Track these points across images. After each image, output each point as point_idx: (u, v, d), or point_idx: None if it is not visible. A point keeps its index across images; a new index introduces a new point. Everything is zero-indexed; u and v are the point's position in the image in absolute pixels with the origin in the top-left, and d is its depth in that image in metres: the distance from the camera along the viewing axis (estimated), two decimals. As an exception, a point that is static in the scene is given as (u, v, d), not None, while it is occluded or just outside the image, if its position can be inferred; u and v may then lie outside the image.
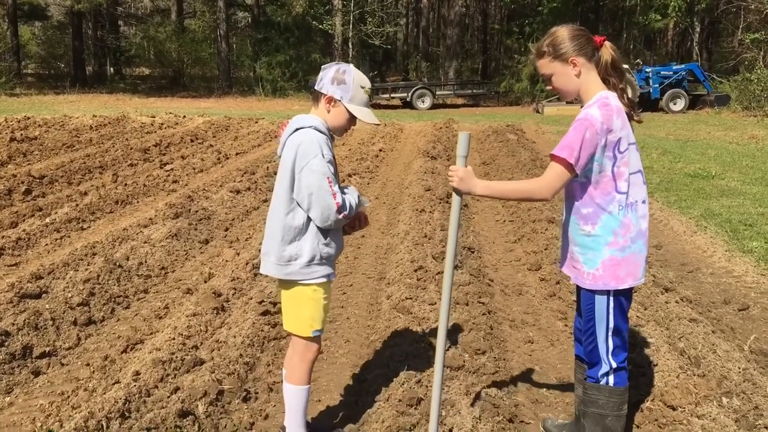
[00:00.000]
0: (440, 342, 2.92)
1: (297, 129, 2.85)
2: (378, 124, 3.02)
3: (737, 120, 20.82)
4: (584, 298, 2.88)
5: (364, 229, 3.37)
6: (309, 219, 2.86)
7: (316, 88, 2.92)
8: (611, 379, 2.87)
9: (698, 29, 33.33)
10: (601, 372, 2.88)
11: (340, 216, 2.81)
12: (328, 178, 2.77)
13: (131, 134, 15.43)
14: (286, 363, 3.10)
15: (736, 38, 30.08)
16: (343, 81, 2.86)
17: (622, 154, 2.71)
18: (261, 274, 5.59)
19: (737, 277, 5.87)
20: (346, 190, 2.91)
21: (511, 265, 6.28)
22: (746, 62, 25.98)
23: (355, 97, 2.88)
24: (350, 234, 3.26)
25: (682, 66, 24.96)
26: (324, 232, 2.89)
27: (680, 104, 23.55)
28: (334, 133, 2.96)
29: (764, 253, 6.38)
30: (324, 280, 2.94)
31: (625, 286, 2.80)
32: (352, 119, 2.93)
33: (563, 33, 2.76)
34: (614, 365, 2.86)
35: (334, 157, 2.90)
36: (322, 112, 2.91)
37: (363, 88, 2.90)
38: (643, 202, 2.82)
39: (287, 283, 2.95)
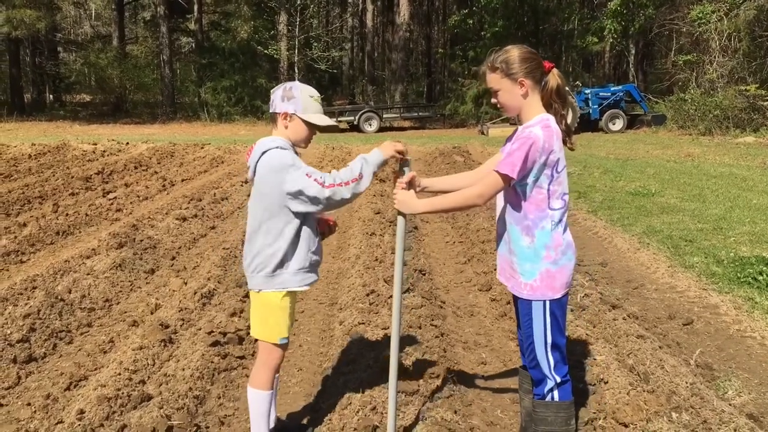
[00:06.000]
0: (393, 366, 2.90)
1: (264, 152, 2.99)
2: (335, 125, 3.25)
3: (673, 139, 21.55)
4: (522, 308, 3.00)
5: (335, 234, 3.52)
6: (280, 231, 2.99)
7: (271, 110, 3.11)
8: (556, 394, 2.97)
9: (633, 51, 34.51)
10: (546, 388, 2.98)
11: (327, 188, 2.91)
12: (307, 174, 2.92)
13: (72, 162, 15.03)
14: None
15: (669, 60, 31.21)
16: (292, 96, 3.05)
17: (558, 174, 2.86)
18: (210, 304, 5.52)
19: (680, 292, 6.03)
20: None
21: (462, 286, 6.31)
22: (680, 83, 26.94)
23: (307, 107, 3.07)
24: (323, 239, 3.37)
25: (620, 87, 25.76)
26: (299, 241, 3.03)
27: (619, 124, 24.30)
28: (298, 146, 3.15)
29: (705, 268, 6.58)
30: (295, 288, 3.08)
31: (560, 295, 2.93)
32: (311, 128, 3.12)
33: (517, 53, 2.87)
34: (558, 380, 2.97)
35: None
36: (281, 131, 3.09)
37: (312, 97, 3.10)
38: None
39: (256, 291, 3.09)
